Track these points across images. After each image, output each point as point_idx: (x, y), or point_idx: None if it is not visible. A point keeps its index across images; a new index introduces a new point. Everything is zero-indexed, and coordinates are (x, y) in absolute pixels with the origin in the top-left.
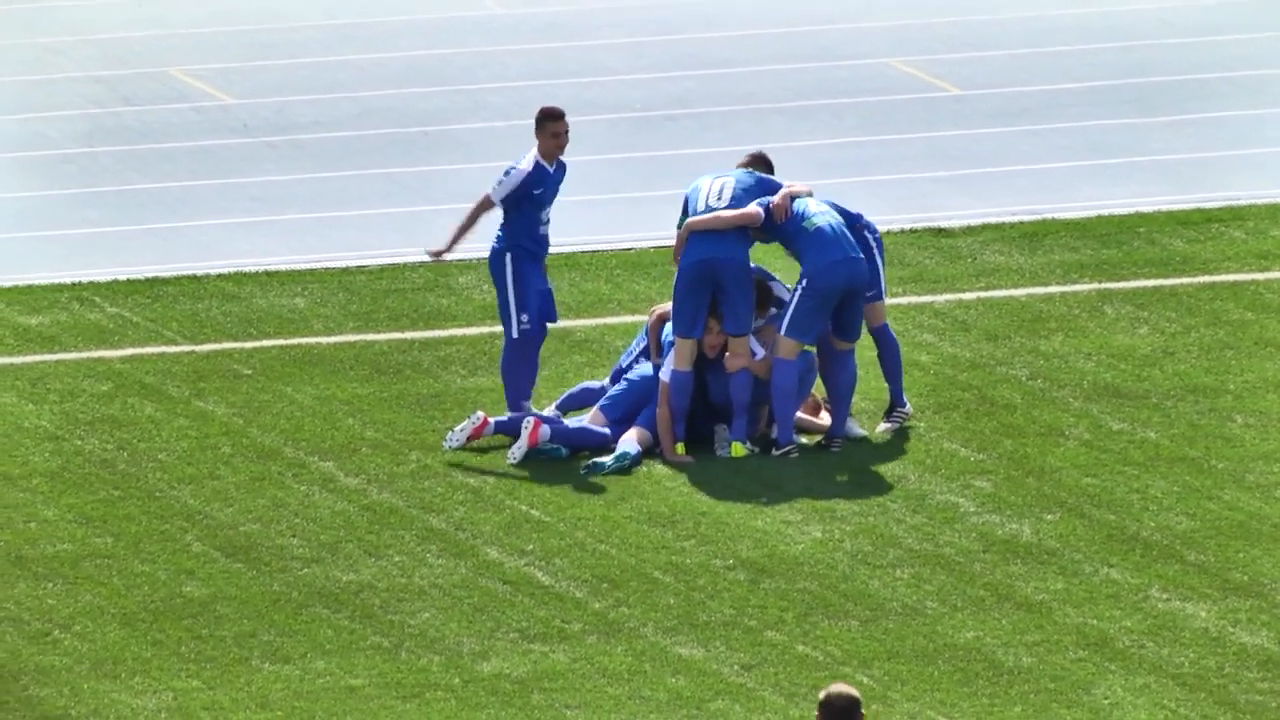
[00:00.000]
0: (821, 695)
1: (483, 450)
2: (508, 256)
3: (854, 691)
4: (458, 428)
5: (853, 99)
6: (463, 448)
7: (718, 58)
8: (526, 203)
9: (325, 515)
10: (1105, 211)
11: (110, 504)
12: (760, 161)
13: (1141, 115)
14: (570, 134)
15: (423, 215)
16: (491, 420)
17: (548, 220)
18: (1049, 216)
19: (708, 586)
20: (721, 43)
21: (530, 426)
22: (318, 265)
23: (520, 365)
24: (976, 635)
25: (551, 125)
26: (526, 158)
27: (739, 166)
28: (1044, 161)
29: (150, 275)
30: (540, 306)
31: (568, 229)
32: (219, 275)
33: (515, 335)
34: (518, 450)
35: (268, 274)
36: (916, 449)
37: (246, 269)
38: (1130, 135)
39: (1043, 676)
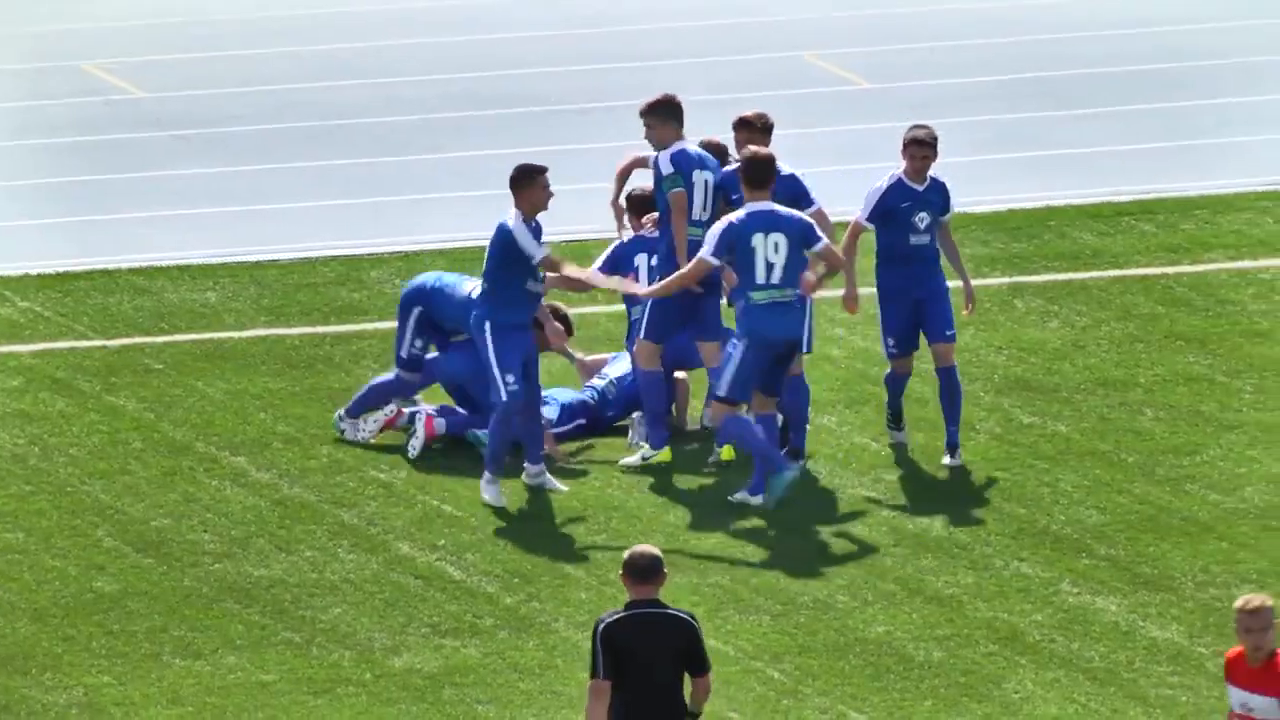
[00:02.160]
0: (625, 556)
1: (393, 448)
2: (487, 326)
3: (656, 551)
4: (370, 418)
5: (768, 92)
6: (372, 440)
7: (636, 51)
8: (517, 265)
9: (237, 510)
10: (1016, 205)
11: (21, 499)
12: (721, 150)
13: (1051, 109)
14: (488, 133)
15: (335, 209)
16: (406, 411)
17: (541, 278)
18: (960, 210)
19: (619, 581)
20: (638, 36)
21: (424, 419)
22: (229, 259)
23: (500, 429)
24: (887, 629)
25: (540, 179)
26: (513, 219)
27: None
28: (955, 155)
29: (61, 270)
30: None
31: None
32: (130, 269)
33: (503, 398)
34: (416, 443)
35: (179, 268)
36: (828, 443)
37: (158, 263)
38: (1040, 128)
39: (953, 670)
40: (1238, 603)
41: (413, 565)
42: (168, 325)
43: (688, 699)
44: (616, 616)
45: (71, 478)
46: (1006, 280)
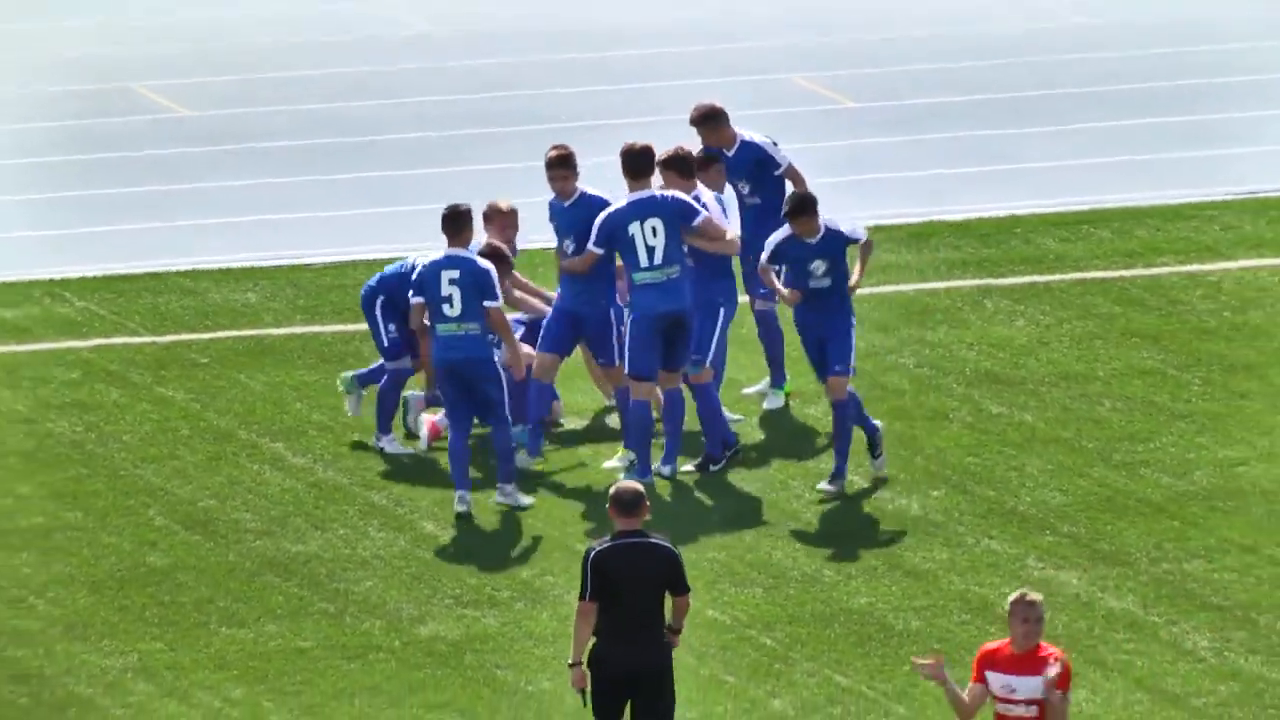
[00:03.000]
0: (611, 490)
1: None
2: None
3: (639, 487)
4: (420, 422)
5: (757, 111)
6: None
7: (633, 73)
8: None
9: (275, 492)
10: (985, 214)
11: (79, 481)
12: (681, 161)
13: (1018, 126)
14: (502, 148)
15: (365, 217)
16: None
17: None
18: (934, 219)
19: None
20: (635, 60)
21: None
22: (268, 263)
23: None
24: (869, 601)
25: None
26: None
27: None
28: (930, 168)
29: (115, 273)
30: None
31: None
32: (178, 272)
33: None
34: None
35: (222, 271)
36: (814, 432)
37: (203, 266)
38: (1008, 144)
39: (930, 638)
40: (1015, 596)
41: (436, 542)
42: (212, 323)
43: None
44: (605, 545)
45: (125, 462)
46: (976, 282)
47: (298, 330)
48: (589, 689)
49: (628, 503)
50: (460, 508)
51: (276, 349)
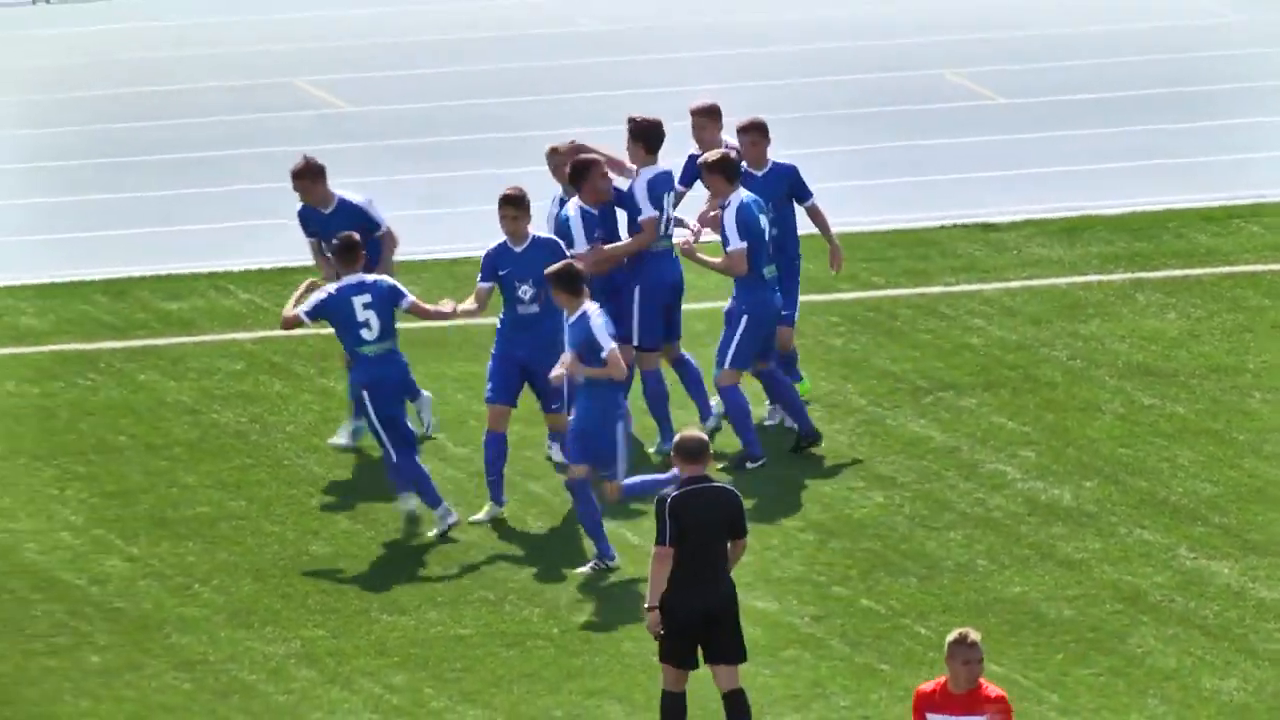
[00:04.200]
0: (675, 439)
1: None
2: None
3: (703, 435)
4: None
5: (907, 106)
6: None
7: (788, 69)
8: None
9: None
10: (1138, 208)
11: (244, 471)
12: (731, 165)
13: (1173, 121)
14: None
15: None
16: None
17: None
18: (1087, 212)
19: (780, 545)
20: (790, 56)
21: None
22: (429, 257)
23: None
24: (1022, 590)
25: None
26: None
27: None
28: (1082, 163)
29: (279, 265)
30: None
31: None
32: None
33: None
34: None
35: None
36: (968, 423)
37: None
38: (1162, 139)
39: (1082, 627)
40: (955, 636)
41: None
42: None
43: None
44: (680, 491)
45: (288, 452)
46: (1129, 276)
47: (457, 322)
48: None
49: (693, 450)
50: (451, 519)
51: (437, 341)
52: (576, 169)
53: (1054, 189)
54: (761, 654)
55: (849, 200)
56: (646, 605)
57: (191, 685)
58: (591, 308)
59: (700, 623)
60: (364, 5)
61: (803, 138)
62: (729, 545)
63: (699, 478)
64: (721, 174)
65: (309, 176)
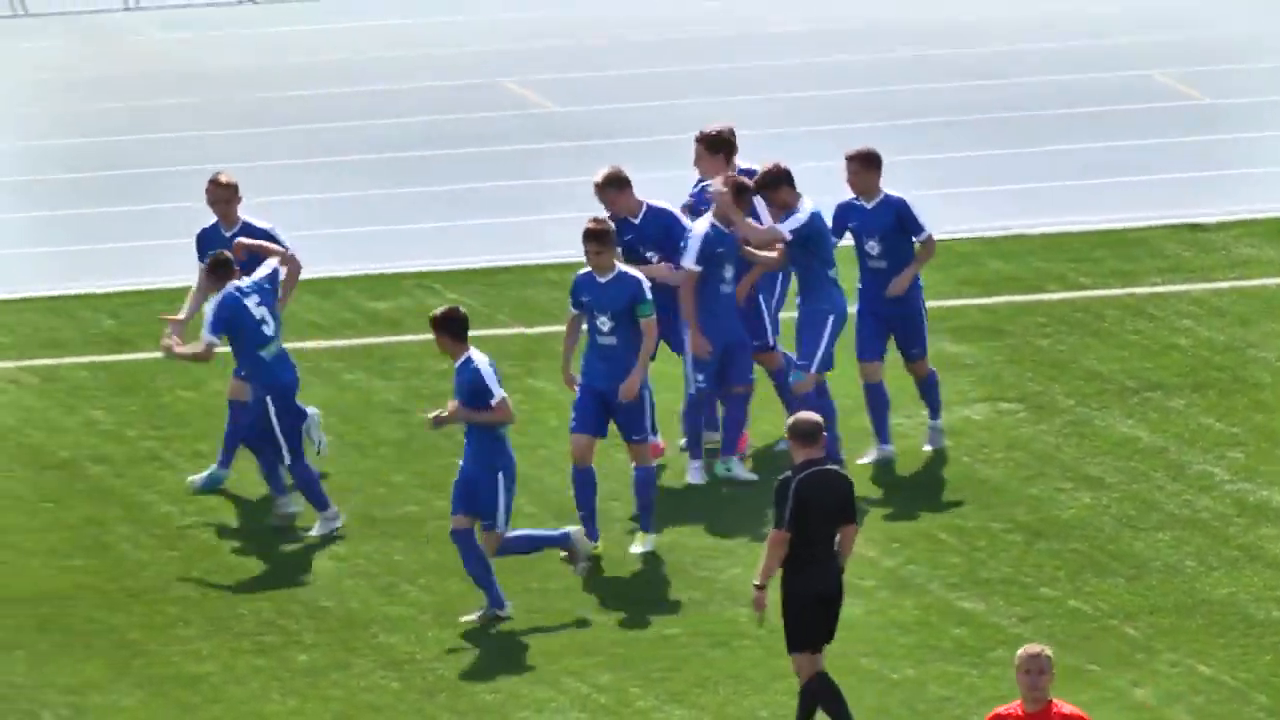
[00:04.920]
0: (790, 422)
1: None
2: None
3: (817, 419)
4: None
5: (1114, 107)
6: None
7: (1000, 69)
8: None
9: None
10: None
11: (451, 470)
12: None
13: None
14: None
15: None
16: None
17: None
18: None
19: (987, 547)
20: (1002, 57)
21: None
22: None
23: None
24: (1230, 591)
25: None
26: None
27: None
28: None
29: (485, 265)
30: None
31: None
32: (545, 265)
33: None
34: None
35: None
36: (1176, 423)
37: (569, 260)
38: None
39: None
40: (1021, 653)
41: None
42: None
43: None
44: (802, 474)
45: None
46: None
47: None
48: (764, 617)
49: (807, 432)
50: (337, 523)
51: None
52: (776, 176)
53: (1262, 189)
54: (969, 655)
55: (1057, 200)
56: (758, 583)
57: (399, 684)
58: (476, 354)
59: (821, 603)
60: (573, 5)
61: (1009, 139)
62: (841, 531)
63: (816, 460)
64: (787, 185)
65: (234, 193)
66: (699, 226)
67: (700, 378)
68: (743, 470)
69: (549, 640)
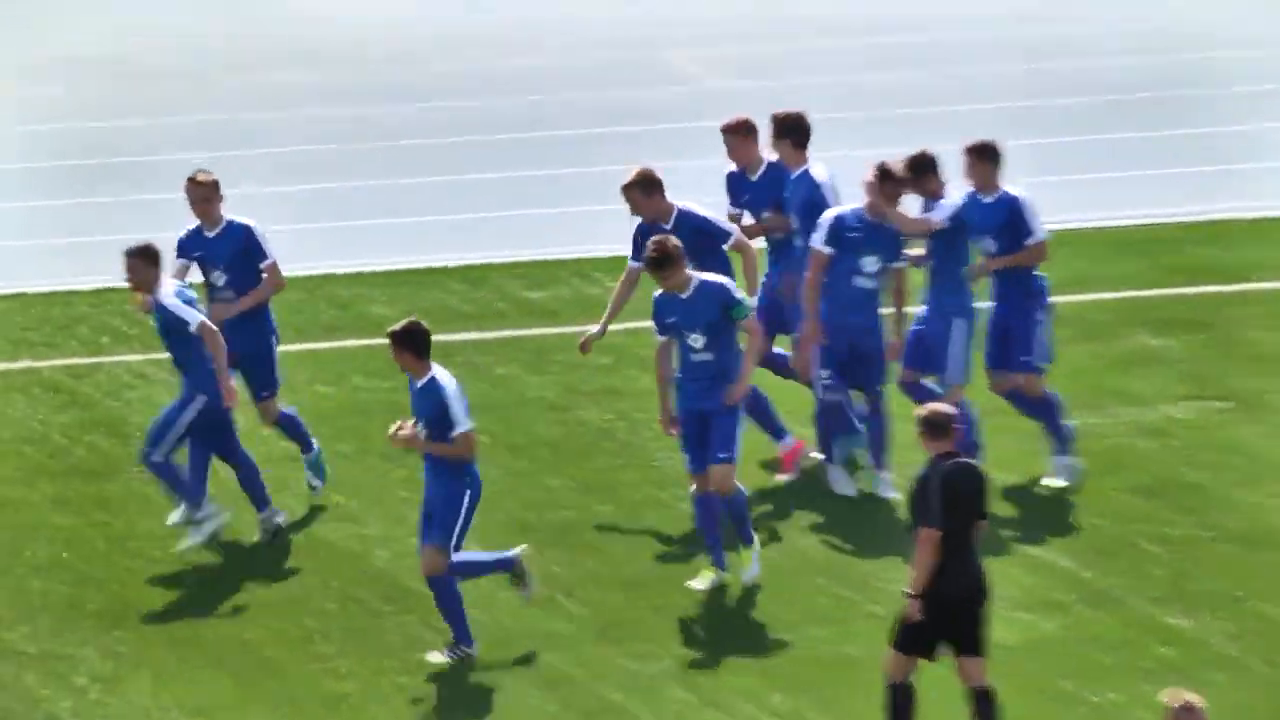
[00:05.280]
0: (922, 414)
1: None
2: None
3: (951, 410)
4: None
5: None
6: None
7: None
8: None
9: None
10: None
11: (610, 472)
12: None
13: None
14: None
15: None
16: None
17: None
18: None
19: (1193, 557)
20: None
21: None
22: None
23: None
24: None
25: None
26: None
27: None
28: None
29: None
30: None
31: None
32: None
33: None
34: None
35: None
36: None
37: None
38: None
39: None
40: (1175, 705)
41: (992, 540)
42: None
43: None
44: (949, 466)
45: (657, 450)
46: None
47: None
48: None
49: (939, 424)
50: (280, 519)
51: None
52: (923, 163)
53: None
54: (1174, 673)
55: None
56: (911, 593)
57: (557, 706)
58: (442, 374)
59: (961, 606)
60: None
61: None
62: (976, 526)
63: (952, 453)
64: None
65: (214, 191)
66: (836, 211)
67: (825, 373)
68: (889, 488)
69: (718, 658)
